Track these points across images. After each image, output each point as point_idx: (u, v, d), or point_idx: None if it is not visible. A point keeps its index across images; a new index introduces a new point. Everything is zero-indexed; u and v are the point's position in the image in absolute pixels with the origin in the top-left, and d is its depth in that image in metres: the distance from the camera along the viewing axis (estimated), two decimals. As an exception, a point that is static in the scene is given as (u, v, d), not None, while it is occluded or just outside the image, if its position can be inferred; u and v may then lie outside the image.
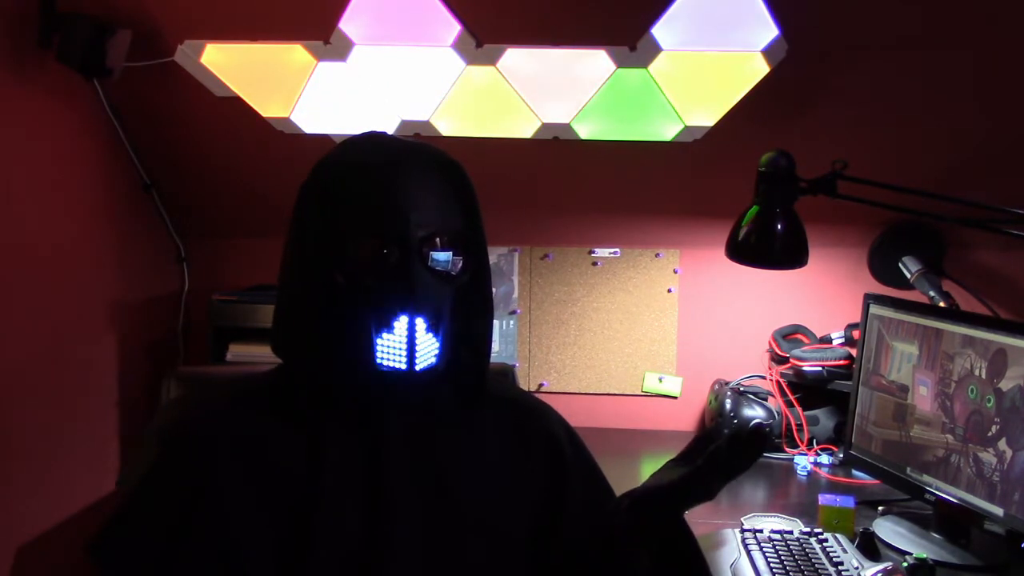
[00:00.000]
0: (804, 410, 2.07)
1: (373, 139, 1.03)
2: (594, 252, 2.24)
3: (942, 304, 1.90)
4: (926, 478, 1.57)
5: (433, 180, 0.99)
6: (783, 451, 2.03)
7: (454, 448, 1.03)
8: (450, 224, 0.99)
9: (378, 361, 0.97)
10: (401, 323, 0.96)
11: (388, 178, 0.97)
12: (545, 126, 1.92)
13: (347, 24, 1.78)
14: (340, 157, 1.01)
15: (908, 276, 2.02)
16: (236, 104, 1.91)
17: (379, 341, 0.97)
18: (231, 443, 0.99)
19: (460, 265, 1.00)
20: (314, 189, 1.00)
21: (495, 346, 2.25)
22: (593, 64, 1.79)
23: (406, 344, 0.96)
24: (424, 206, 0.96)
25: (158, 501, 0.98)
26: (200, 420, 1.03)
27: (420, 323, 0.96)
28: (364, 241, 0.96)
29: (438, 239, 0.98)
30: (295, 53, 1.83)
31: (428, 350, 0.97)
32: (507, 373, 1.59)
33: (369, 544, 0.96)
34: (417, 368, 0.97)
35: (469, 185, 1.02)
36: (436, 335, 0.98)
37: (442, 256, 0.98)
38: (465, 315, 1.04)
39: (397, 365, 0.97)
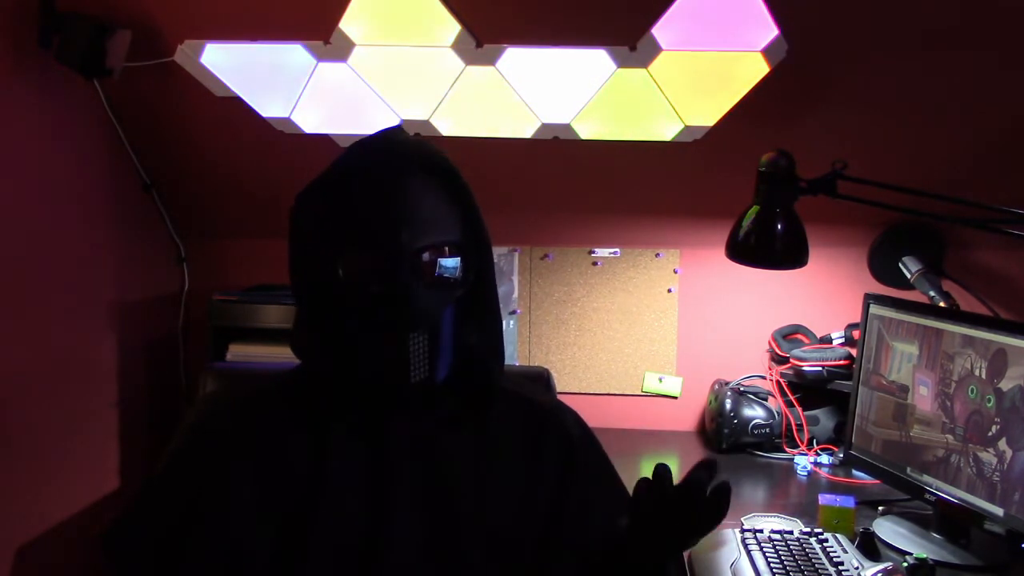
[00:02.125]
0: (804, 410, 2.07)
1: (372, 148, 1.00)
2: (594, 252, 2.24)
3: (942, 304, 1.90)
4: (926, 478, 1.57)
5: (427, 191, 0.97)
6: (783, 451, 2.03)
7: (460, 452, 1.03)
8: (446, 234, 0.97)
9: (373, 374, 0.97)
10: (393, 336, 0.95)
11: (379, 192, 0.96)
12: (545, 126, 1.92)
13: (347, 24, 1.78)
14: (337, 167, 1.00)
15: (908, 276, 2.02)
16: (236, 104, 1.91)
17: (373, 353, 0.97)
18: (242, 442, 1.00)
19: (458, 274, 0.99)
20: (310, 199, 1.00)
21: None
22: (593, 64, 1.79)
23: (398, 357, 0.96)
24: (415, 220, 0.95)
25: (168, 497, 1.00)
26: (215, 419, 1.04)
27: (413, 336, 0.96)
28: (355, 255, 0.96)
29: (442, 250, 0.97)
30: (295, 53, 1.83)
31: (423, 361, 0.97)
32: (542, 377, 1.51)
33: (368, 547, 0.96)
34: (412, 380, 0.97)
35: (467, 192, 1.01)
36: (432, 346, 0.98)
37: (448, 264, 0.97)
38: (470, 321, 1.04)
39: (392, 378, 0.97)
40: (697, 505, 0.89)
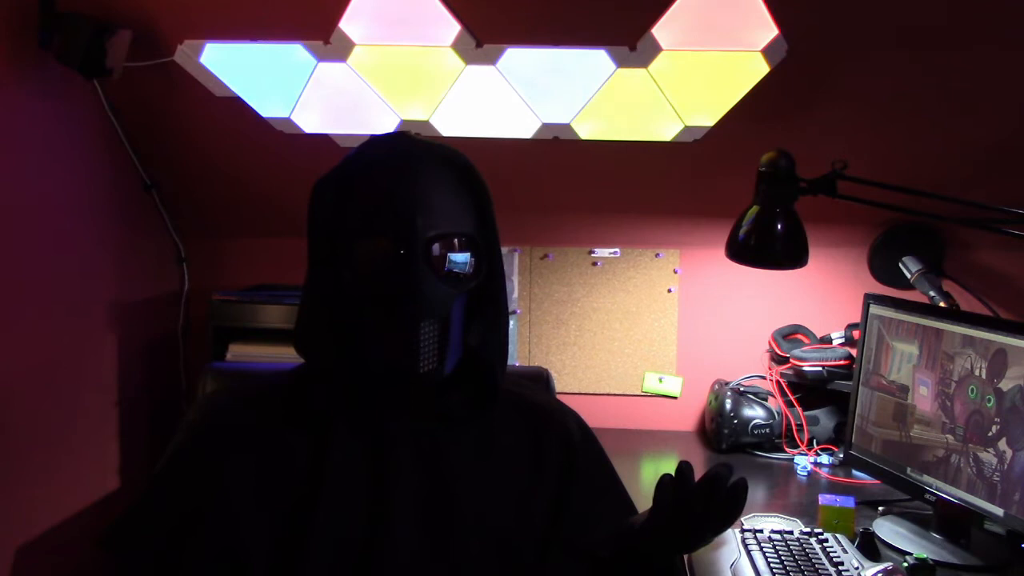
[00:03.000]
0: (804, 410, 2.07)
1: (391, 140, 1.02)
2: (594, 252, 2.24)
3: (942, 304, 1.90)
4: (926, 478, 1.57)
5: (444, 182, 0.98)
6: (783, 451, 2.03)
7: (461, 452, 1.03)
8: (460, 226, 0.98)
9: (381, 361, 0.97)
10: (405, 323, 0.95)
11: (397, 178, 0.97)
12: (545, 126, 1.92)
13: (347, 24, 1.77)
14: (356, 156, 1.02)
15: (908, 276, 2.02)
16: (236, 104, 1.91)
17: (383, 341, 0.97)
18: (242, 441, 1.00)
19: (471, 268, 1.00)
20: (327, 186, 1.01)
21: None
22: (593, 64, 1.79)
23: (409, 345, 0.96)
24: (431, 208, 0.96)
25: (168, 496, 1.00)
26: (215, 418, 1.04)
27: (424, 324, 0.96)
28: (370, 240, 0.97)
29: (456, 240, 0.98)
30: (295, 53, 1.83)
31: (432, 351, 0.97)
32: (542, 377, 1.51)
33: (367, 546, 0.96)
34: (421, 370, 0.97)
35: (484, 189, 1.02)
36: (441, 336, 0.98)
37: (460, 257, 0.98)
38: (478, 319, 1.04)
39: (400, 366, 0.97)
40: (718, 500, 0.90)
